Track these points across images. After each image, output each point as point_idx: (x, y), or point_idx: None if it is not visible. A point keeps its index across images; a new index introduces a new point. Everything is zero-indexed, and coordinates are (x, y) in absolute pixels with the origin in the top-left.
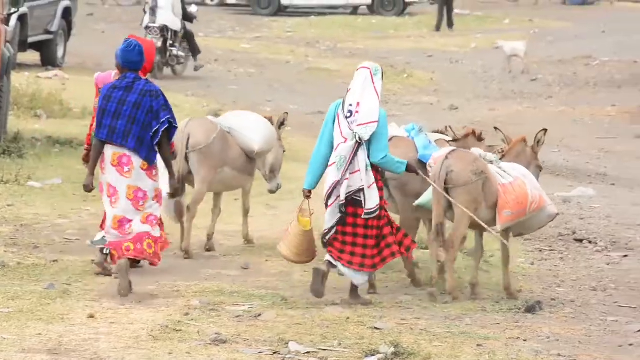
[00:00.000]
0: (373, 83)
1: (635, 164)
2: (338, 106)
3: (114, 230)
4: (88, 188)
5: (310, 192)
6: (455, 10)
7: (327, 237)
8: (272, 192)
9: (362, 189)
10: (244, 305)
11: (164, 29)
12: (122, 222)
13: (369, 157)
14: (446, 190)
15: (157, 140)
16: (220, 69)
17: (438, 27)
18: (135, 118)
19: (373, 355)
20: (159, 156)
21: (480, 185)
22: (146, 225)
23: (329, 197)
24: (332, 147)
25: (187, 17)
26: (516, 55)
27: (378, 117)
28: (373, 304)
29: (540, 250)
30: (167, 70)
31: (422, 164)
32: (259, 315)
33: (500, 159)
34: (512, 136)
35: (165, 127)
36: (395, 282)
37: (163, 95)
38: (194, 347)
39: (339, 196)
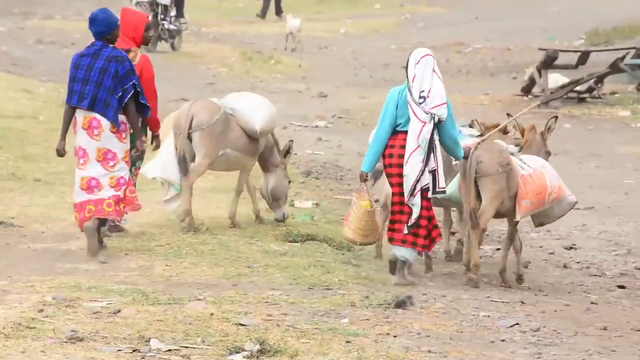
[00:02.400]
0: (434, 69)
1: None
2: (401, 92)
3: (82, 191)
4: (60, 152)
5: (367, 175)
6: None
7: (415, 222)
8: (277, 221)
9: (435, 169)
10: (102, 301)
11: (153, 3)
12: (90, 183)
13: (441, 140)
14: (474, 179)
15: (122, 103)
16: None
17: (263, 14)
18: (102, 83)
19: (238, 352)
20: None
21: (505, 176)
22: (112, 190)
23: (417, 181)
24: (392, 131)
25: None
26: (291, 32)
27: (446, 99)
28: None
29: None
30: (166, 46)
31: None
32: (118, 311)
33: (519, 151)
34: None
35: (132, 92)
36: (261, 277)
37: (129, 61)
38: (48, 345)
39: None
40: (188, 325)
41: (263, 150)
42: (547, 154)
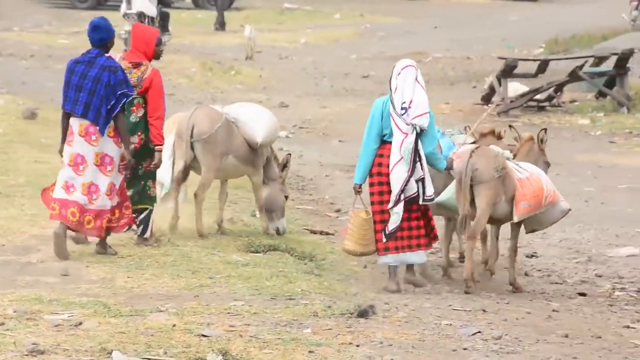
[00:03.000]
0: (417, 79)
1: None
2: (386, 103)
3: (83, 196)
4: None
5: (361, 187)
6: (285, 5)
7: (394, 231)
8: (278, 233)
9: (423, 178)
10: (63, 313)
11: (140, 15)
12: (90, 189)
13: (423, 146)
14: (470, 186)
15: (114, 113)
16: (37, 66)
17: (221, 26)
18: (95, 91)
19: None
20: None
21: (501, 180)
22: (107, 199)
23: (402, 192)
24: (379, 141)
25: (162, 1)
26: (250, 39)
27: (428, 108)
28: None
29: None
30: None
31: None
32: (80, 323)
33: (512, 158)
34: (347, 133)
35: (123, 101)
36: (223, 288)
37: (122, 71)
38: (9, 359)
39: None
40: (150, 337)
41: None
42: (546, 165)
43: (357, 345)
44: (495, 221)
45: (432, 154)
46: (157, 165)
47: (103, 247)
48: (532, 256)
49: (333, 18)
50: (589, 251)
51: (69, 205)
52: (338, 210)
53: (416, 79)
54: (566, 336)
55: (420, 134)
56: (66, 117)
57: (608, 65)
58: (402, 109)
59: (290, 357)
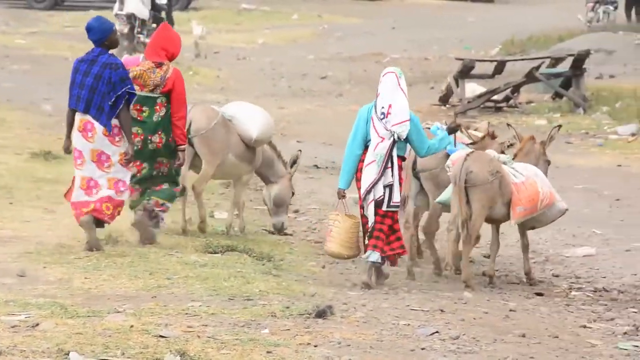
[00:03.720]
0: (399, 85)
1: None
2: (370, 109)
3: (81, 190)
4: (66, 151)
5: (344, 191)
6: (242, 5)
7: (371, 230)
8: (275, 228)
9: (392, 184)
10: (20, 314)
11: (131, 17)
12: (89, 183)
13: (417, 153)
14: (465, 189)
15: (116, 110)
16: None
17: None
18: (96, 89)
19: None
20: None
21: (497, 184)
22: (111, 191)
23: (368, 193)
24: (364, 147)
25: (155, 7)
26: (201, 38)
27: (409, 116)
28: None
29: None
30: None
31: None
32: (37, 324)
33: (513, 158)
34: (305, 134)
35: (125, 98)
36: (181, 289)
37: (123, 69)
38: None
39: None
40: (107, 338)
41: (261, 164)
42: (546, 163)
43: (315, 346)
44: (494, 222)
45: (430, 152)
46: (182, 164)
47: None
48: (489, 256)
49: (291, 18)
50: (546, 251)
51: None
52: (296, 211)
53: (398, 84)
54: (523, 336)
55: (405, 141)
56: (71, 114)
57: (564, 67)
58: (381, 114)
59: (248, 357)
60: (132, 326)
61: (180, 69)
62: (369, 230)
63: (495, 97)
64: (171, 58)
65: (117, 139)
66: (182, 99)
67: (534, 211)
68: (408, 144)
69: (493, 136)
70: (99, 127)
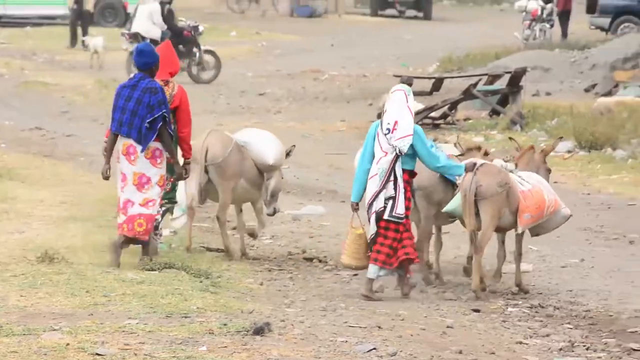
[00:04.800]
0: (407, 103)
1: None
2: (377, 125)
3: (122, 214)
4: (104, 176)
5: (357, 204)
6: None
7: (371, 243)
8: (270, 215)
9: (394, 197)
10: None
11: (137, 36)
12: (126, 205)
13: (427, 166)
14: (475, 201)
15: (154, 132)
16: None
17: (73, 44)
18: (137, 112)
19: None
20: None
21: (505, 194)
22: (143, 208)
23: (370, 205)
24: (373, 161)
25: (173, 28)
26: (95, 51)
27: (413, 131)
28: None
29: (270, 270)
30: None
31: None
32: None
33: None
34: None
35: (161, 122)
36: (118, 306)
37: (162, 93)
38: None
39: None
40: (43, 356)
41: None
42: (547, 171)
43: None
44: (501, 229)
45: (442, 167)
46: (186, 177)
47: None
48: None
49: (229, 35)
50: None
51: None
52: (234, 228)
53: (406, 102)
54: (460, 352)
55: (411, 156)
56: (113, 138)
57: (501, 84)
58: (387, 129)
59: None
60: (68, 344)
61: (116, 85)
62: (370, 241)
63: (433, 114)
64: (172, 75)
65: (158, 160)
66: (188, 114)
67: (540, 218)
68: (415, 157)
69: (486, 153)
70: (140, 150)
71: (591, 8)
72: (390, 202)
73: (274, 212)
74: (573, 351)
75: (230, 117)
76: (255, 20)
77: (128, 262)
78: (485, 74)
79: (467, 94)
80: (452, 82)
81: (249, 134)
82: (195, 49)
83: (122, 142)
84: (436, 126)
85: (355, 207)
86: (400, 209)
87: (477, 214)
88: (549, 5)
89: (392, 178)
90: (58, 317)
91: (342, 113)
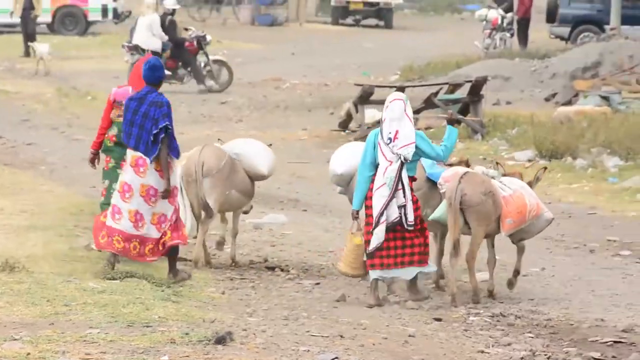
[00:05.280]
0: (405, 112)
1: (327, 189)
2: (377, 135)
3: (129, 222)
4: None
5: (358, 212)
6: None
7: (373, 251)
8: (245, 213)
9: (404, 205)
10: None
11: (137, 48)
12: (136, 216)
13: (439, 160)
14: (461, 210)
15: (157, 145)
16: None
17: (27, 53)
18: (144, 125)
19: None
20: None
21: (490, 202)
22: (153, 228)
23: (381, 215)
24: (374, 169)
25: (174, 39)
26: (41, 58)
27: (415, 138)
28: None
29: (232, 279)
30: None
31: (431, 181)
32: None
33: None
34: None
35: (163, 134)
36: (79, 316)
37: (167, 106)
38: None
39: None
40: None
41: None
42: None
43: None
44: (486, 235)
45: (445, 149)
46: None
47: (174, 275)
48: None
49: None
50: (444, 277)
51: (114, 233)
52: (194, 237)
53: (405, 111)
54: None
55: (407, 163)
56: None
57: (462, 93)
58: (388, 139)
59: None
60: (29, 354)
61: (78, 94)
62: (369, 249)
63: None
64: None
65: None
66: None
67: (523, 222)
68: (416, 163)
69: (467, 165)
70: (149, 163)
71: (551, 17)
72: (402, 210)
73: (250, 209)
74: None
75: (192, 126)
76: (216, 28)
77: (89, 271)
78: (446, 83)
79: (428, 103)
80: (413, 91)
81: (240, 146)
82: (200, 59)
83: (131, 154)
84: None
85: (356, 216)
86: (410, 217)
87: (466, 223)
88: (509, 14)
89: (400, 186)
90: (19, 327)
91: (303, 121)
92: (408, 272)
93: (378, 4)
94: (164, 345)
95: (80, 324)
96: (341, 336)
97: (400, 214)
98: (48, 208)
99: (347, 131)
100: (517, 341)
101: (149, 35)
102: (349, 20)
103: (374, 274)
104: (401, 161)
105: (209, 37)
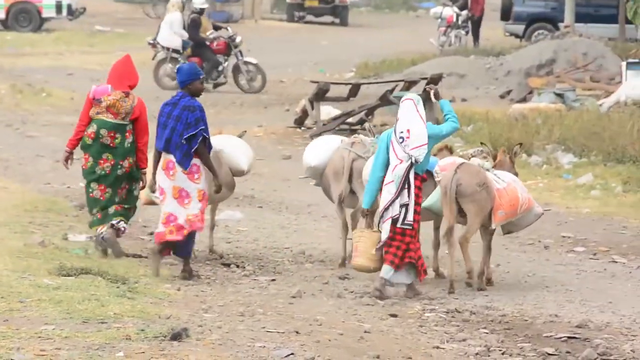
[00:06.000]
0: (417, 111)
1: (283, 186)
2: (390, 134)
3: (162, 225)
4: (151, 189)
5: (368, 211)
6: (97, 27)
7: (383, 246)
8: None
9: (407, 204)
10: None
11: (158, 45)
12: (169, 218)
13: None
14: (456, 199)
15: (192, 149)
16: None
17: None
18: (175, 129)
19: None
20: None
21: (485, 193)
22: (187, 224)
23: (386, 210)
24: (386, 169)
25: (195, 38)
26: None
27: (427, 139)
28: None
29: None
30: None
31: (428, 172)
32: None
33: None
34: None
35: (200, 138)
36: (34, 312)
37: (200, 111)
38: None
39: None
40: None
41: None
42: (515, 175)
43: None
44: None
45: (453, 128)
46: (143, 187)
47: (189, 274)
48: (345, 278)
49: (145, 41)
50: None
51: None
52: (151, 234)
53: (416, 110)
54: (378, 357)
55: (416, 164)
56: (157, 154)
57: (417, 90)
58: (400, 137)
59: None
60: None
61: (32, 91)
62: (381, 245)
63: (350, 120)
64: (132, 87)
65: (196, 176)
66: (146, 125)
67: (514, 215)
68: (426, 163)
69: (451, 151)
70: (179, 166)
71: (506, 15)
72: (404, 209)
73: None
74: (489, 356)
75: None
76: None
77: (44, 268)
78: (402, 80)
79: (384, 100)
80: (369, 88)
81: (222, 142)
82: (231, 60)
83: (163, 158)
84: (353, 132)
85: (366, 213)
86: (410, 217)
87: (462, 212)
88: (464, 12)
89: (406, 186)
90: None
91: (259, 118)
92: (383, 270)
93: (333, 1)
94: (119, 342)
95: (35, 321)
96: (297, 332)
97: (399, 212)
98: (2, 205)
99: (302, 128)
100: (472, 337)
101: (170, 33)
102: (303, 15)
103: (384, 270)
104: (411, 162)
105: (238, 38)
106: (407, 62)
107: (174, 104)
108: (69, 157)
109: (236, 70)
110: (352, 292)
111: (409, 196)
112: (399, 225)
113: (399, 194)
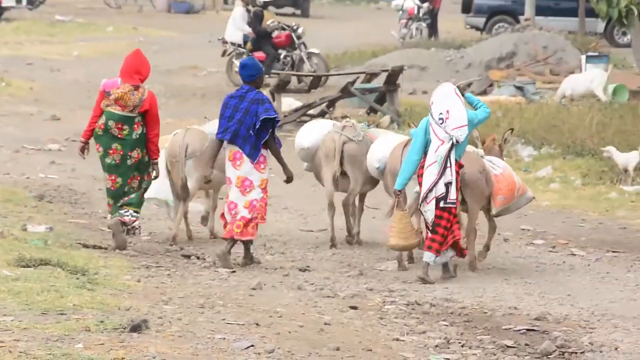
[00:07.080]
0: (457, 94)
1: None
2: (428, 121)
3: (228, 213)
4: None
5: (400, 192)
6: (57, 16)
7: (432, 227)
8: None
9: (450, 182)
10: None
11: (224, 40)
12: (230, 205)
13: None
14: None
15: (261, 140)
16: None
17: None
18: (244, 121)
19: None
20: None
21: (484, 180)
22: (246, 210)
23: (430, 191)
24: (423, 154)
25: (258, 31)
26: None
27: (467, 121)
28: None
29: (147, 267)
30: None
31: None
32: None
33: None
34: None
35: (270, 130)
36: None
37: (269, 103)
38: None
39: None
40: None
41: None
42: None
43: None
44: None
45: (484, 117)
46: (156, 177)
47: (249, 259)
48: (305, 270)
49: (106, 31)
50: (360, 265)
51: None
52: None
53: (455, 92)
54: (338, 349)
55: (457, 145)
56: (218, 143)
57: (379, 82)
58: (439, 119)
59: None
60: None
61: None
62: (429, 226)
63: (311, 112)
64: (142, 81)
65: (262, 166)
66: (157, 118)
67: (511, 200)
68: (465, 146)
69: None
70: (246, 157)
71: (466, 8)
72: (448, 187)
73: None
74: (449, 348)
75: None
76: (132, 15)
77: (2, 259)
78: (363, 72)
79: (345, 92)
80: (330, 80)
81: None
82: (286, 52)
83: (229, 149)
84: None
85: (398, 194)
86: (452, 195)
87: (463, 200)
88: (425, 4)
89: (448, 164)
90: None
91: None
92: (426, 256)
93: None
94: (78, 333)
95: None
96: (257, 324)
97: (445, 191)
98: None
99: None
100: (432, 329)
101: (234, 28)
102: (270, 8)
103: (426, 256)
104: (452, 142)
105: (300, 29)
106: (369, 54)
107: (240, 96)
108: (84, 148)
109: (300, 62)
110: (312, 284)
111: (452, 175)
112: (442, 204)
113: (442, 173)
